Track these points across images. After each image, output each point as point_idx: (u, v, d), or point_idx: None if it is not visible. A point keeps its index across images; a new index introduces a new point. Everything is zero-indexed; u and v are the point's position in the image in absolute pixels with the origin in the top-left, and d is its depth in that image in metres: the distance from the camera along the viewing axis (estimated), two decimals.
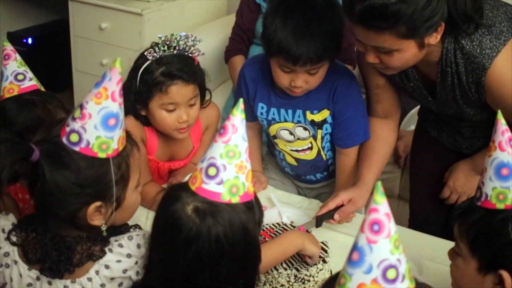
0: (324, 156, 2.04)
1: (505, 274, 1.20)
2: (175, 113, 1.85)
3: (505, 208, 1.22)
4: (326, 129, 1.94)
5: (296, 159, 2.06)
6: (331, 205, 1.77)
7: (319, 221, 1.75)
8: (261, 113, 1.97)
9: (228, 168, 1.08)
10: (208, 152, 1.11)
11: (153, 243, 1.16)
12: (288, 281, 1.55)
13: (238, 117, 1.09)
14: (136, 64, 1.85)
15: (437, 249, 1.83)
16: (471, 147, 1.91)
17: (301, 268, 1.58)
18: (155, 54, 1.80)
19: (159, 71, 1.80)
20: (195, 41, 1.86)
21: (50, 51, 3.91)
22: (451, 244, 1.83)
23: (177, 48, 1.82)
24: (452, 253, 1.39)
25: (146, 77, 1.81)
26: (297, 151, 2.02)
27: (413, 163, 2.18)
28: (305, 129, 1.95)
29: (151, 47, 1.83)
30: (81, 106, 1.15)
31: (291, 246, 1.53)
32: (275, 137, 2.01)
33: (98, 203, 1.18)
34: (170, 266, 1.10)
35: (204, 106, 1.98)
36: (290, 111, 1.92)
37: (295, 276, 1.56)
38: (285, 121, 1.94)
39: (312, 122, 1.92)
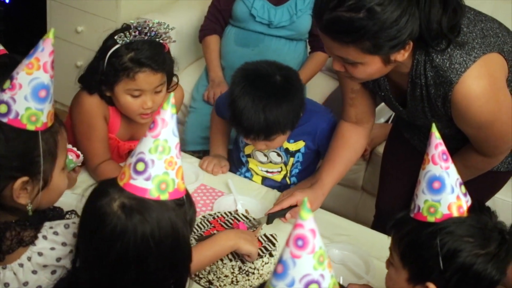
0: (288, 181, 2.12)
1: (431, 286, 1.21)
2: (140, 99, 1.83)
3: (435, 221, 1.22)
4: (298, 158, 2.05)
5: (263, 180, 2.12)
6: (285, 204, 1.77)
7: (270, 218, 1.75)
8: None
9: (157, 164, 1.05)
10: (137, 146, 1.08)
11: (80, 235, 1.15)
12: (232, 273, 1.55)
13: (168, 112, 1.05)
14: (105, 45, 1.82)
15: (386, 247, 1.84)
16: None
17: (247, 260, 1.58)
18: (125, 38, 1.77)
19: (128, 56, 1.77)
20: (167, 29, 1.83)
21: (26, 13, 3.82)
22: None
23: (148, 34, 1.79)
24: (387, 263, 1.40)
25: (114, 61, 1.78)
26: (267, 171, 2.10)
27: (385, 161, 2.16)
28: (278, 155, 2.05)
29: (122, 30, 1.80)
30: (11, 77, 1.13)
31: (224, 246, 1.53)
32: (249, 156, 2.10)
33: (24, 178, 1.16)
34: (95, 260, 1.08)
35: (170, 91, 1.96)
36: None
37: (240, 268, 1.56)
38: None
39: (286, 150, 2.04)
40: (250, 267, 1.57)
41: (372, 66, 1.50)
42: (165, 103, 1.06)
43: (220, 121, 2.15)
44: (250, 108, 1.79)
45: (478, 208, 1.23)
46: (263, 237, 1.69)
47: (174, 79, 1.96)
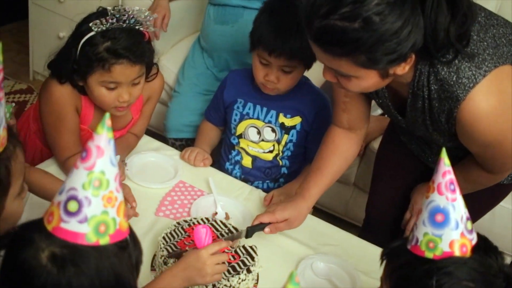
0: (280, 162, 2.02)
1: None
2: (116, 91, 1.67)
3: (433, 258, 1.08)
4: (292, 136, 1.97)
5: (253, 160, 2.02)
6: (265, 219, 1.62)
7: (249, 232, 1.61)
8: (238, 107, 2.00)
9: (93, 202, 0.87)
10: (67, 181, 0.89)
11: None
12: None
13: (104, 137, 0.87)
14: (78, 30, 1.65)
15: (375, 260, 1.70)
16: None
17: (222, 278, 1.44)
18: (101, 26, 1.59)
19: (104, 46, 1.60)
20: (148, 16, 1.66)
21: None
22: None
23: (127, 21, 1.62)
24: None
25: (88, 49, 1.61)
26: (258, 151, 2.01)
27: (378, 163, 2.01)
28: (273, 130, 1.97)
29: (98, 14, 1.63)
30: None
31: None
32: (240, 136, 2.00)
33: None
34: None
35: (148, 80, 1.80)
36: (264, 109, 1.96)
37: (213, 286, 1.43)
38: (257, 118, 1.97)
39: (282, 125, 1.96)
40: (225, 285, 1.44)
41: (367, 80, 1.34)
42: (99, 126, 0.87)
43: (210, 127, 2.11)
44: (277, 27, 1.77)
45: (484, 248, 1.08)
46: (242, 249, 1.55)
47: (154, 68, 1.80)
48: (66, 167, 1.75)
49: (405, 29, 1.21)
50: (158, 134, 2.72)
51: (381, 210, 1.99)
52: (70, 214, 0.87)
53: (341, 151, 1.71)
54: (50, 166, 1.81)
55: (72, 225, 0.87)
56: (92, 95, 1.70)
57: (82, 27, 1.64)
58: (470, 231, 1.09)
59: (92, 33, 1.60)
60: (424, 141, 1.70)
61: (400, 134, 1.77)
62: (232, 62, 2.46)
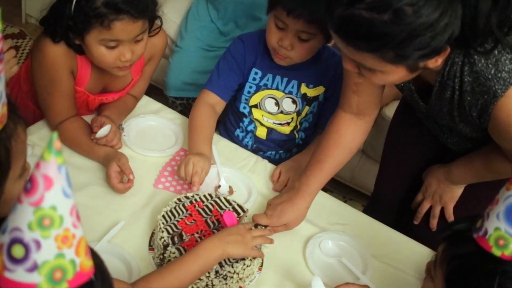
0: (296, 135, 1.88)
1: None
2: (117, 50, 1.52)
3: (501, 257, 0.97)
4: (314, 107, 1.83)
5: (269, 132, 1.87)
6: (263, 222, 1.50)
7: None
8: (254, 79, 1.81)
9: (43, 245, 0.70)
10: (11, 217, 0.71)
11: None
12: (207, 277, 1.32)
13: (52, 164, 0.69)
14: None
15: (387, 243, 1.62)
16: (458, 145, 1.59)
17: (225, 264, 1.34)
18: None
19: (102, 0, 1.45)
20: None
21: None
22: (404, 240, 1.64)
23: None
24: (427, 272, 1.16)
25: (84, 4, 1.45)
26: (274, 122, 1.85)
27: (391, 136, 1.87)
28: (293, 102, 1.81)
29: None
30: None
31: (210, 259, 1.28)
32: (255, 106, 1.83)
33: None
34: None
35: (151, 35, 1.65)
36: (285, 80, 1.79)
37: (216, 272, 1.33)
38: (277, 88, 1.80)
39: (304, 97, 1.81)
40: (229, 271, 1.34)
41: (393, 75, 1.20)
42: (45, 151, 0.69)
43: (211, 115, 1.77)
44: None
45: None
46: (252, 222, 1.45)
47: (157, 21, 1.65)
48: (59, 132, 1.61)
49: (442, 21, 1.06)
50: (158, 88, 2.58)
51: (391, 186, 1.88)
52: (15, 261, 0.70)
53: (345, 142, 1.55)
54: (42, 129, 1.69)
55: (19, 275, 0.70)
56: (90, 55, 1.55)
57: None
58: None
59: None
60: (446, 127, 1.57)
61: (417, 111, 1.63)
62: (238, 15, 2.31)
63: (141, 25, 1.51)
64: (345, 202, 2.64)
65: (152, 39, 1.68)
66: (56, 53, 1.55)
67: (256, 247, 1.38)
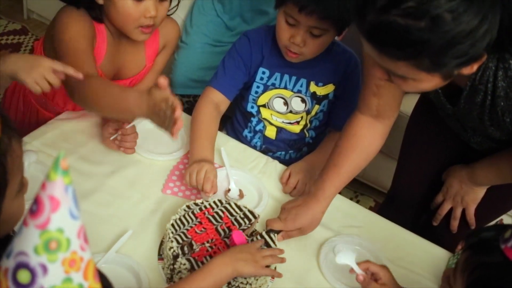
0: (306, 134, 1.84)
1: None
2: (143, 4, 1.51)
3: None
4: (323, 106, 1.78)
5: (278, 131, 1.83)
6: (276, 227, 1.47)
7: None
8: (261, 78, 1.76)
9: (50, 269, 0.67)
10: (16, 241, 0.68)
11: None
12: None
13: (58, 184, 0.66)
14: None
15: (404, 246, 1.58)
16: (481, 144, 1.53)
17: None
18: None
19: None
20: None
21: None
22: (421, 243, 1.59)
23: None
24: (445, 279, 1.12)
25: None
26: (282, 122, 1.81)
27: (409, 133, 1.81)
28: (303, 101, 1.77)
29: None
30: None
31: (221, 276, 1.23)
32: (263, 106, 1.79)
33: None
34: None
35: (170, 14, 1.64)
36: (293, 78, 1.74)
37: (229, 283, 1.28)
38: (285, 88, 1.76)
39: (313, 95, 1.76)
40: (241, 283, 1.30)
41: (427, 83, 1.13)
42: (51, 171, 0.66)
43: (214, 116, 1.70)
44: None
45: None
46: (259, 238, 1.40)
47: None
48: (85, 84, 1.46)
49: (482, 28, 1.00)
50: None
51: (410, 185, 1.83)
52: (21, 286, 0.67)
53: (363, 147, 1.50)
54: (46, 134, 1.64)
55: None
56: (115, 10, 1.52)
57: None
58: None
59: None
60: (472, 129, 1.51)
61: (439, 111, 1.57)
62: (245, 9, 2.25)
63: None
64: (356, 197, 2.63)
65: (166, 26, 1.70)
66: (79, 17, 1.54)
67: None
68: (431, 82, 1.13)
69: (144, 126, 1.72)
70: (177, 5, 1.66)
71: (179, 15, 2.42)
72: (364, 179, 2.52)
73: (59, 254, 0.67)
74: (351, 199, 2.58)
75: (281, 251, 1.38)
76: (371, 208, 2.55)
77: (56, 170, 0.66)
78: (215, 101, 1.72)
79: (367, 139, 1.50)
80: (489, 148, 1.51)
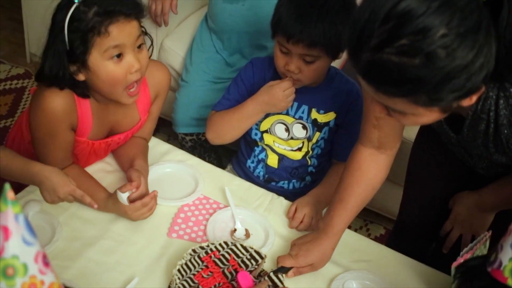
0: (308, 161, 1.85)
1: None
2: (124, 61, 1.47)
3: None
4: (324, 133, 1.80)
5: (280, 159, 1.84)
6: (287, 264, 1.46)
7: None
8: None
9: None
10: None
11: None
12: None
13: (9, 214, 0.72)
14: (56, 19, 1.44)
15: (414, 278, 1.55)
16: (488, 169, 1.52)
17: None
18: None
19: (92, 12, 1.41)
20: None
21: None
22: (431, 273, 1.57)
23: None
24: None
25: (76, 25, 1.42)
26: (285, 149, 1.83)
27: (413, 160, 1.80)
28: (304, 127, 1.79)
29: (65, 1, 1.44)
30: None
31: None
32: (265, 131, 1.81)
33: None
34: None
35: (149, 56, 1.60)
36: (295, 104, 1.76)
37: None
38: (287, 114, 1.78)
39: (314, 122, 1.78)
40: None
41: (426, 118, 1.13)
42: (0, 203, 0.72)
43: None
44: (296, 10, 1.59)
45: None
46: (267, 279, 1.38)
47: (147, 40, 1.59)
48: None
49: (478, 61, 1.00)
50: (167, 120, 2.54)
51: (417, 212, 1.81)
52: None
53: (367, 179, 1.49)
54: None
55: None
56: (99, 79, 1.49)
57: (58, 14, 1.44)
58: None
59: (72, 10, 1.41)
60: (477, 156, 1.50)
61: (442, 138, 1.56)
62: (243, 45, 2.26)
63: (136, 25, 1.49)
64: (366, 225, 2.61)
65: (155, 76, 1.67)
66: (55, 108, 1.50)
67: None
68: (430, 116, 1.13)
69: (155, 173, 1.72)
70: (152, 46, 1.62)
71: (179, 53, 2.44)
72: (373, 207, 2.50)
73: (17, 280, 0.73)
74: (361, 227, 2.58)
75: (295, 273, 1.39)
76: (381, 236, 2.53)
77: (5, 201, 0.73)
78: None
79: (371, 172, 1.49)
80: (495, 173, 1.50)
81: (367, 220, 2.59)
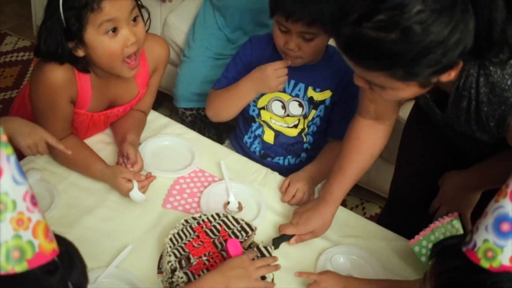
0: (304, 138, 1.88)
1: None
2: (119, 35, 1.50)
3: (489, 269, 0.95)
4: (320, 111, 1.82)
5: (276, 136, 1.87)
6: (289, 232, 1.53)
7: (276, 243, 1.53)
8: None
9: (1, 227, 0.79)
10: None
11: None
12: None
13: (2, 154, 0.79)
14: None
15: (400, 254, 1.59)
16: (475, 149, 1.56)
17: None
18: None
19: None
20: None
21: None
22: None
23: None
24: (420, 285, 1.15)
25: (70, 4, 1.45)
26: (282, 126, 1.86)
27: (404, 140, 1.84)
28: (300, 105, 1.81)
29: None
30: None
31: None
32: (262, 108, 1.84)
33: None
34: None
35: (146, 29, 1.61)
36: (292, 82, 1.79)
37: None
38: (284, 91, 1.80)
39: (310, 100, 1.80)
40: None
41: (405, 92, 1.17)
42: None
43: None
44: None
45: None
46: (256, 251, 1.43)
47: (145, 13, 1.61)
48: (56, 152, 1.63)
49: (453, 37, 1.04)
50: (169, 95, 2.58)
51: (407, 190, 1.85)
52: None
53: (366, 148, 1.55)
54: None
55: None
56: (97, 55, 1.52)
57: None
58: None
59: None
60: (465, 135, 1.53)
61: (432, 117, 1.60)
62: (245, 22, 2.28)
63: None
64: (362, 204, 2.65)
65: (154, 49, 1.70)
66: (54, 81, 1.54)
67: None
68: (408, 90, 1.17)
69: (146, 145, 1.77)
70: (149, 19, 1.63)
71: (182, 29, 2.47)
72: (369, 186, 2.53)
73: (7, 214, 0.80)
74: (357, 206, 2.62)
75: (275, 258, 1.41)
76: (376, 215, 2.57)
77: None
78: None
79: (369, 140, 1.55)
80: (482, 153, 1.53)
81: (363, 199, 2.63)
